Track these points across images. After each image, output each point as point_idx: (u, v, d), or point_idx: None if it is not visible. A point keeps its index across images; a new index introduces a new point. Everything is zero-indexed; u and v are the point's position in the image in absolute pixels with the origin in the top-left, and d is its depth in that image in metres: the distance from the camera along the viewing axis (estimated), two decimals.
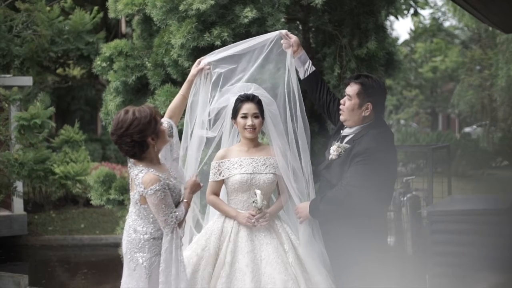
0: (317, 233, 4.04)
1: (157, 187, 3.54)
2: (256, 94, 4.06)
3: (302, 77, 4.31)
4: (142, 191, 3.57)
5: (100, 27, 13.27)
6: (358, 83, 3.96)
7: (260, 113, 4.04)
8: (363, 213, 3.85)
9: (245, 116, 4.02)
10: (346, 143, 3.98)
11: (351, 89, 3.98)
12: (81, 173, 7.97)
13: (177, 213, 3.62)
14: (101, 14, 12.46)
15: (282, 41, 4.18)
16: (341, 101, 4.05)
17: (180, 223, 3.66)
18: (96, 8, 12.35)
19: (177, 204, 3.70)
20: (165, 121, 3.95)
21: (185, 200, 3.75)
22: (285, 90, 4.12)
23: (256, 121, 4.02)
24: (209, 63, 4.18)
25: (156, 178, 3.56)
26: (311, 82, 4.32)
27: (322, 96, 4.32)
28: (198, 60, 4.23)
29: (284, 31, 4.22)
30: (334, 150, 3.98)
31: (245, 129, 4.03)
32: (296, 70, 4.24)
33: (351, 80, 4.02)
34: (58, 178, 7.98)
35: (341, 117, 4.04)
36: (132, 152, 3.60)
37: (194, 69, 4.18)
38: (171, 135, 3.92)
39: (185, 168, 4.11)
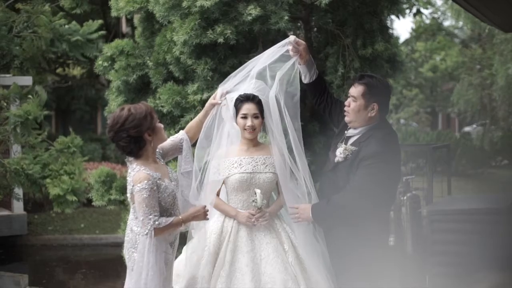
0: (318, 233, 4.03)
1: (144, 185, 3.52)
2: (256, 93, 4.04)
3: (306, 81, 4.25)
4: (131, 188, 3.58)
5: (100, 27, 13.27)
6: (363, 83, 3.92)
7: (260, 113, 4.03)
8: (368, 215, 3.84)
9: (245, 117, 4.02)
10: (351, 144, 3.94)
11: (356, 90, 3.94)
12: (72, 190, 7.88)
13: (157, 218, 3.53)
14: (104, 32, 12.44)
15: (290, 47, 4.07)
16: (346, 103, 3.99)
17: (158, 231, 3.54)
18: (100, 21, 12.35)
19: (170, 205, 3.67)
20: (180, 133, 3.96)
21: (180, 217, 3.64)
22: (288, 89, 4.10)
23: (256, 122, 4.02)
24: (225, 93, 4.06)
25: (146, 176, 3.54)
26: (316, 86, 4.27)
27: (325, 99, 4.28)
28: (217, 91, 4.11)
29: (293, 38, 4.09)
30: (341, 153, 3.94)
31: (245, 129, 4.02)
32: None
33: (355, 81, 3.97)
34: (53, 199, 7.98)
35: (347, 119, 3.99)
36: (129, 149, 3.60)
37: (210, 101, 4.08)
38: (180, 147, 3.91)
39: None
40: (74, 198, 7.77)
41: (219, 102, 4.06)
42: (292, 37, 4.10)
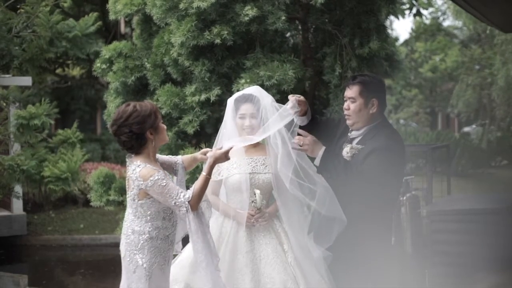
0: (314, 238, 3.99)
1: (156, 176, 3.53)
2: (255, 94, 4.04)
3: (303, 125, 4.15)
4: (141, 184, 3.57)
5: (100, 28, 13.26)
6: (357, 83, 3.92)
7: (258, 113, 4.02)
8: (376, 203, 3.80)
9: (243, 117, 4.01)
10: (357, 144, 3.93)
11: (352, 91, 3.91)
12: (69, 171, 7.85)
13: (184, 193, 3.54)
14: (100, 22, 12.41)
15: (290, 107, 3.96)
16: (345, 107, 3.96)
17: (194, 201, 3.53)
18: (96, 14, 12.31)
19: None
20: (178, 157, 3.94)
21: (203, 173, 3.63)
22: None
23: (254, 122, 4.00)
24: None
25: (154, 170, 3.56)
26: (311, 124, 4.18)
27: (318, 127, 4.19)
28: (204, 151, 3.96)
29: (292, 101, 3.97)
30: (347, 152, 3.89)
31: (243, 129, 4.01)
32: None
33: (349, 83, 3.96)
34: (48, 181, 7.96)
35: (349, 122, 3.96)
36: (130, 144, 3.61)
37: (201, 155, 3.93)
38: (175, 168, 3.89)
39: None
40: (69, 174, 7.74)
41: (206, 158, 3.86)
42: (291, 100, 3.97)
